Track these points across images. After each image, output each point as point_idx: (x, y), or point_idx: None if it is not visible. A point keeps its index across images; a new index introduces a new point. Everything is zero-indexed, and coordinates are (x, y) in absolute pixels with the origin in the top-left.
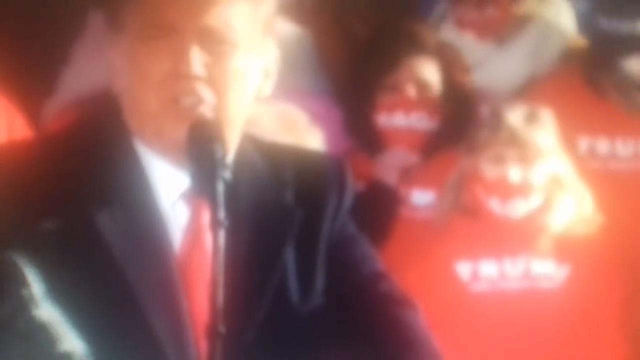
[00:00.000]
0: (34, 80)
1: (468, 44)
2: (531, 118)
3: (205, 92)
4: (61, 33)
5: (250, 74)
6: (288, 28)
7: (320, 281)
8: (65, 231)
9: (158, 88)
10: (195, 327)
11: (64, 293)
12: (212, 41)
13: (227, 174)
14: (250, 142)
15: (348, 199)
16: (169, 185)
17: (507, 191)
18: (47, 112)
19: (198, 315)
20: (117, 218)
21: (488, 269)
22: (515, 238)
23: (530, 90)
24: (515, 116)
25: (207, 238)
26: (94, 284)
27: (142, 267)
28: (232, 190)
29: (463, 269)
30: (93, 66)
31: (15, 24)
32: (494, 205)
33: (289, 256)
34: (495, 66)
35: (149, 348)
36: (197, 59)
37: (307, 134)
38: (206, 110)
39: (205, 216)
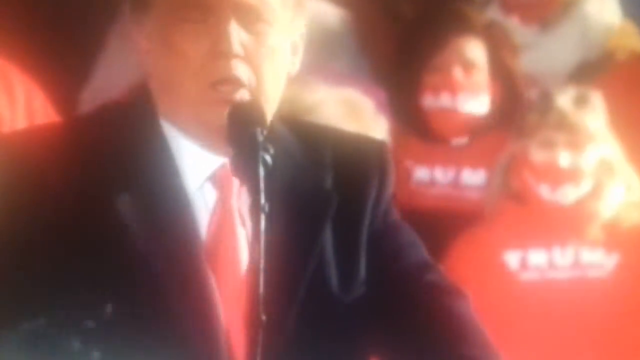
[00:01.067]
0: (70, 67)
1: (513, 28)
2: (581, 101)
3: (245, 72)
4: (97, 19)
5: (284, 52)
6: (327, 9)
7: (363, 270)
8: (86, 217)
9: (196, 71)
10: (225, 315)
11: (84, 282)
12: (249, 19)
13: (268, 158)
14: (285, 122)
15: (390, 185)
16: (197, 168)
17: (556, 176)
18: (83, 99)
19: (227, 302)
20: (139, 203)
21: (537, 258)
22: (564, 225)
23: (592, 72)
24: (565, 99)
25: (237, 221)
26: (116, 271)
27: (167, 253)
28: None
29: (512, 258)
30: (127, 53)
31: (52, 11)
32: (544, 191)
33: (329, 243)
34: (541, 51)
35: (176, 338)
36: (236, 37)
37: (372, 122)
38: (244, 92)
39: (234, 199)
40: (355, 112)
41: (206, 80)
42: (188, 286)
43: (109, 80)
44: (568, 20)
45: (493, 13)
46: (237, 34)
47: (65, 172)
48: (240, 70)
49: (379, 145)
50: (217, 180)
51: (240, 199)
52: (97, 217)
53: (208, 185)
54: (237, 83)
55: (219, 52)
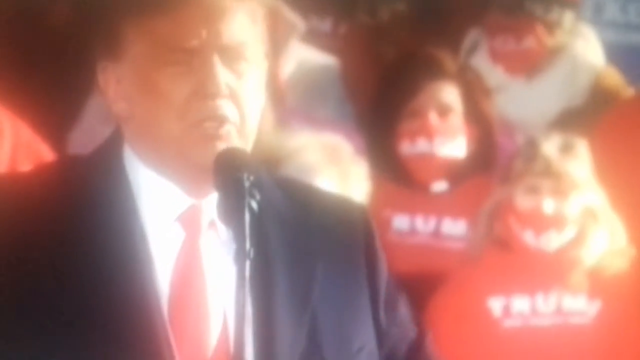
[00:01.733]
0: (60, 109)
1: (499, 77)
2: (566, 148)
3: (231, 110)
4: (88, 61)
5: (261, 87)
6: (315, 56)
7: (359, 340)
8: (39, 268)
9: (180, 111)
10: None
11: (33, 339)
12: (232, 59)
13: (254, 204)
14: (273, 180)
15: (378, 256)
16: (165, 209)
17: (541, 223)
18: (72, 139)
19: (191, 353)
20: (95, 252)
21: (520, 304)
22: (548, 272)
23: (576, 118)
24: (550, 146)
25: (204, 261)
26: (66, 325)
27: (120, 303)
28: (260, 228)
29: (495, 304)
30: None
31: (43, 54)
32: (528, 237)
33: (322, 308)
34: (527, 100)
35: None
36: (222, 78)
37: (352, 166)
38: (231, 129)
39: (202, 239)
40: (335, 157)
41: (192, 119)
42: (142, 338)
43: (97, 121)
44: (552, 70)
45: (480, 61)
46: (222, 74)
47: (26, 221)
48: (227, 109)
49: (362, 211)
50: (185, 220)
51: (208, 241)
52: (48, 268)
53: (177, 225)
54: (223, 120)
55: (206, 93)
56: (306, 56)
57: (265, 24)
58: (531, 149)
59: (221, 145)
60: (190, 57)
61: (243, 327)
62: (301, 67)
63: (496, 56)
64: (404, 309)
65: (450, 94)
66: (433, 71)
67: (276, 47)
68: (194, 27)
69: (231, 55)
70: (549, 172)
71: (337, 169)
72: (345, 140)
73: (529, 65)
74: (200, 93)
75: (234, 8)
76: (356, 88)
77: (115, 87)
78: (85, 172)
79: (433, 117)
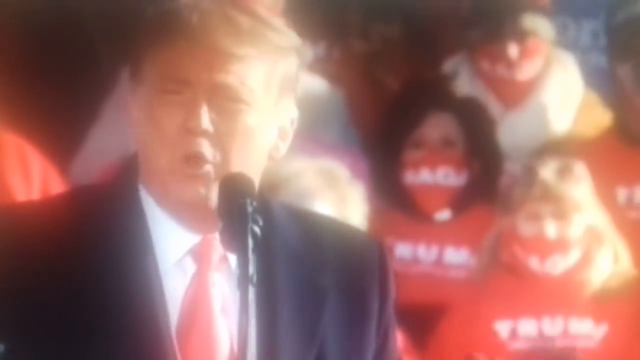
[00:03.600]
0: (64, 137)
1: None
2: (564, 172)
3: (209, 151)
4: (93, 90)
5: (263, 132)
6: (318, 83)
7: None
8: (54, 294)
9: (168, 144)
10: None
11: None
12: (225, 98)
13: (257, 229)
14: (286, 211)
15: (391, 291)
16: (176, 242)
17: (545, 248)
18: (75, 165)
19: None
20: (107, 282)
21: (527, 327)
22: (554, 296)
23: (563, 144)
24: (548, 171)
25: (213, 293)
26: (80, 357)
27: (131, 333)
28: (267, 260)
29: (502, 327)
30: (121, 124)
31: (47, 80)
32: (533, 263)
33: (330, 339)
34: (508, 129)
35: None
36: (205, 115)
37: (349, 189)
38: (210, 169)
39: (212, 272)
40: (332, 181)
41: (176, 153)
42: None
43: (101, 149)
44: (532, 99)
45: (464, 84)
46: (207, 112)
47: (39, 249)
48: (205, 147)
49: (377, 246)
50: (196, 254)
51: (219, 273)
52: (61, 296)
53: (188, 259)
54: (201, 159)
55: (188, 128)
56: (311, 84)
57: (290, 75)
58: (529, 175)
59: (199, 186)
60: (183, 87)
61: (245, 351)
62: (306, 95)
63: (491, 84)
64: (394, 344)
65: (453, 124)
66: (437, 102)
67: None
68: (191, 62)
69: (225, 95)
70: (548, 196)
71: (334, 193)
72: (343, 165)
73: (509, 95)
74: (185, 127)
75: (244, 55)
76: (359, 114)
77: (135, 113)
78: (101, 202)
79: (436, 148)
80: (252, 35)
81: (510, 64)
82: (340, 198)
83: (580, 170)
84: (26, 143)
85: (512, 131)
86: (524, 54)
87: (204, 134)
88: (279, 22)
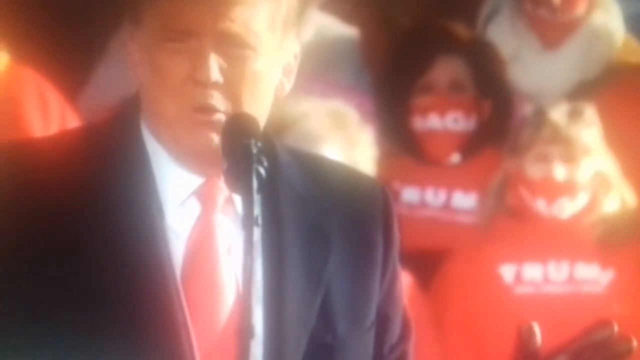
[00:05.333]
0: (72, 69)
1: (523, 43)
2: (574, 115)
3: (221, 101)
4: (102, 23)
5: (270, 75)
6: (331, 23)
7: (372, 315)
8: (58, 232)
9: (176, 94)
10: (200, 342)
11: (49, 310)
12: (232, 46)
13: (262, 170)
14: (290, 154)
15: (395, 236)
16: (180, 183)
17: (552, 191)
18: (82, 100)
19: (204, 324)
20: (112, 222)
21: (532, 272)
22: (560, 240)
23: (592, 89)
24: (558, 113)
25: (218, 235)
26: (81, 291)
27: (135, 273)
28: (272, 202)
29: (507, 271)
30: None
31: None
32: (540, 206)
33: (336, 284)
34: (544, 69)
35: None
36: (214, 66)
37: (358, 132)
38: (221, 118)
39: (217, 213)
40: (340, 123)
41: (185, 104)
42: (157, 311)
43: (108, 84)
44: (571, 40)
45: (503, 23)
46: (216, 62)
47: (42, 187)
48: (216, 98)
49: (381, 191)
50: (201, 195)
51: (225, 215)
52: (67, 233)
53: (192, 199)
54: (213, 110)
55: (197, 80)
56: (324, 24)
57: (293, 9)
58: (539, 117)
59: (211, 134)
60: (188, 37)
61: (250, 292)
62: (319, 35)
63: (532, 23)
64: (398, 289)
65: (463, 68)
66: (446, 45)
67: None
68: (194, 10)
69: (231, 42)
70: (558, 138)
71: (342, 136)
72: (352, 107)
73: (551, 35)
74: (192, 79)
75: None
76: (372, 56)
77: (136, 55)
78: (103, 141)
79: (445, 93)
80: None
81: (553, 7)
82: (349, 141)
83: (591, 114)
84: (44, 79)
85: (550, 71)
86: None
87: (214, 85)
88: None
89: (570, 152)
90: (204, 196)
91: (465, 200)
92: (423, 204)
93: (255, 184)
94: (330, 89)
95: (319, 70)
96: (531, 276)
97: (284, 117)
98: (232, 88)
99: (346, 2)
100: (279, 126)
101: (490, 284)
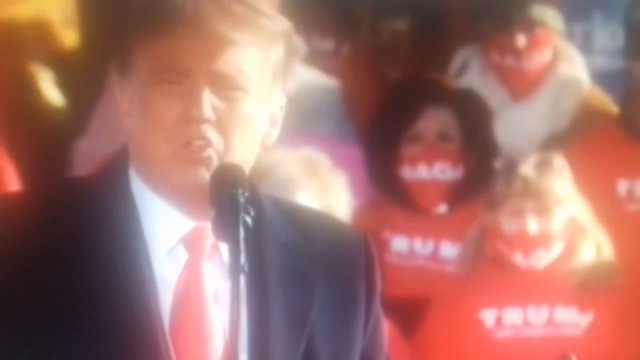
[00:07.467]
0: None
1: (503, 97)
2: (544, 166)
3: (214, 136)
4: (95, 73)
5: (258, 120)
6: (316, 76)
7: None
8: (41, 290)
9: (168, 132)
10: None
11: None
12: (225, 87)
13: (249, 219)
14: (273, 202)
15: (377, 282)
16: (169, 230)
17: (528, 244)
18: (79, 147)
19: None
20: (98, 271)
21: (512, 316)
22: (538, 287)
23: (567, 136)
24: (527, 167)
25: (205, 282)
26: (69, 346)
27: (121, 323)
28: (258, 250)
29: (487, 315)
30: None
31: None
32: (517, 258)
33: (320, 331)
34: (515, 121)
35: None
36: (207, 103)
37: (331, 177)
38: (212, 154)
39: (204, 261)
40: (313, 170)
41: (177, 141)
42: (145, 355)
43: (105, 131)
44: (540, 91)
45: (474, 75)
46: (209, 101)
47: (30, 240)
48: (210, 134)
49: (363, 239)
50: (188, 242)
51: (211, 262)
52: (53, 283)
53: (180, 247)
54: (204, 145)
55: (191, 116)
56: (307, 77)
57: (281, 62)
58: (509, 171)
59: (201, 169)
60: (182, 77)
61: (237, 339)
62: (302, 88)
63: (500, 75)
64: (382, 335)
65: (451, 119)
66: (434, 96)
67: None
68: (189, 51)
69: (224, 83)
70: (530, 192)
71: (316, 182)
72: (334, 156)
73: (518, 88)
74: (186, 116)
75: (241, 40)
76: (357, 108)
77: (125, 106)
78: (91, 190)
79: (433, 143)
80: (246, 21)
81: (518, 54)
82: (322, 187)
83: (560, 162)
84: None
85: (521, 122)
86: (532, 44)
87: (207, 121)
88: (267, 8)
89: (542, 204)
90: (191, 243)
91: (452, 250)
92: (412, 253)
93: (242, 232)
94: (314, 139)
95: (302, 121)
96: (512, 320)
97: (258, 165)
98: (223, 126)
99: (340, 57)
100: (256, 174)
101: (471, 328)
